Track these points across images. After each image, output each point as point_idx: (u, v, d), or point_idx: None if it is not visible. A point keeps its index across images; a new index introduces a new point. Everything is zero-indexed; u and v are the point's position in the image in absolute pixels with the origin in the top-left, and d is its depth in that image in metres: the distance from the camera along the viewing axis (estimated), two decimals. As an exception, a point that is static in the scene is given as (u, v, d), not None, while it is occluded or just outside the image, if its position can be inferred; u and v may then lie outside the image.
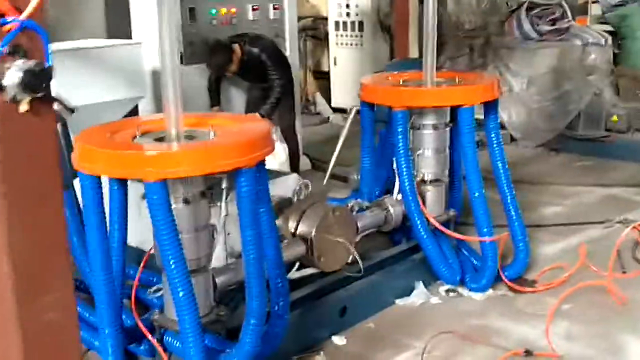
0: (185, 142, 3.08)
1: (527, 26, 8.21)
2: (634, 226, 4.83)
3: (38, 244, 1.71)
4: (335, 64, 9.50)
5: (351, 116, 5.00)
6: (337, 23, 9.43)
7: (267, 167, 3.34)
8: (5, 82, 1.58)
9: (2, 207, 1.61)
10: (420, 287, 4.55)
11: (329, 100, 9.45)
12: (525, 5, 8.32)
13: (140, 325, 3.40)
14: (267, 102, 6.00)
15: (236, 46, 6.06)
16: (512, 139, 8.14)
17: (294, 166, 6.35)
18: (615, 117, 7.60)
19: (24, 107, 1.58)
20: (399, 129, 4.38)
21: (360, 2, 9.16)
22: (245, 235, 3.18)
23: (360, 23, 9.20)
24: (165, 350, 3.45)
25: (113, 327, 3.31)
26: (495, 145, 4.61)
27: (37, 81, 1.66)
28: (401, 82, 4.71)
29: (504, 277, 4.53)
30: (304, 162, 7.32)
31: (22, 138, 1.62)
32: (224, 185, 3.30)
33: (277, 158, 5.92)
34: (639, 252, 4.97)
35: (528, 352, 3.71)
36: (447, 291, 4.59)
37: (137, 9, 6.18)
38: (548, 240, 5.35)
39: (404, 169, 4.40)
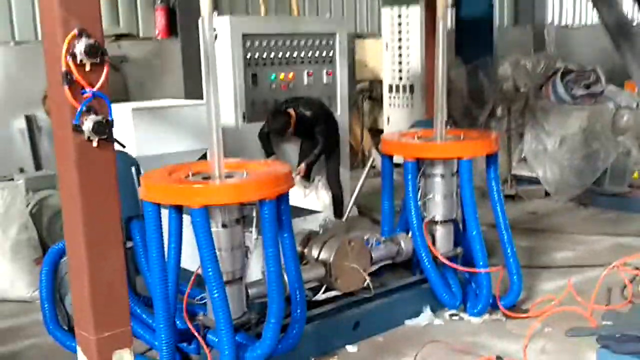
0: (224, 180, 4.08)
1: (560, 90, 8.98)
2: (614, 265, 5.52)
3: (101, 225, 2.69)
4: (388, 123, 10.46)
5: (369, 164, 5.92)
6: (390, 86, 10.42)
7: (310, 207, 4.26)
8: (84, 128, 2.58)
9: (80, 204, 2.60)
10: (427, 311, 5.37)
11: (384, 156, 10.35)
12: (560, 71, 9.11)
13: (190, 325, 4.31)
14: (311, 154, 6.98)
15: (291, 111, 7.08)
16: (547, 194, 8.89)
17: (338, 211, 7.28)
18: (636, 174, 8.27)
19: (94, 144, 2.57)
20: (409, 177, 5.27)
21: (412, 67, 10.12)
22: (267, 253, 4.13)
23: (411, 86, 10.16)
24: (207, 346, 4.38)
25: (168, 329, 4.10)
26: (495, 193, 5.42)
27: (103, 128, 2.65)
28: (416, 138, 5.61)
29: (500, 305, 5.31)
30: (353, 209, 8.23)
31: (92, 164, 2.61)
32: (254, 214, 4.29)
33: (321, 201, 6.90)
34: (626, 291, 5.65)
35: (499, 358, 4.51)
36: (451, 315, 5.40)
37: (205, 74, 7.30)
38: (550, 279, 6.09)
39: (412, 210, 5.28)
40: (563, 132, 8.81)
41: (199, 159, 6.55)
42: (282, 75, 7.63)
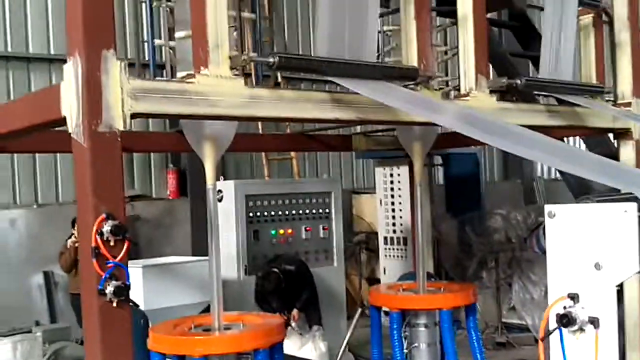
0: (222, 332, 4.60)
1: (543, 242, 9.56)
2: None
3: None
4: (385, 273, 10.97)
5: (357, 316, 6.43)
6: (385, 238, 11.01)
7: (307, 356, 4.68)
8: (106, 292, 3.16)
9: (100, 354, 3.16)
10: None
11: (381, 305, 10.81)
12: (543, 224, 9.71)
13: None
14: (300, 300, 7.46)
15: (278, 272, 7.59)
16: (536, 340, 9.26)
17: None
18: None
19: (114, 304, 3.16)
20: (395, 326, 5.76)
21: (404, 221, 10.75)
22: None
23: (404, 239, 10.75)
24: None
25: None
26: (474, 340, 5.88)
27: (121, 291, 3.23)
28: (401, 290, 6.14)
29: None
30: (349, 358, 8.63)
31: (112, 321, 3.19)
32: (250, 361, 4.77)
33: (318, 351, 7.34)
34: None
35: None
36: None
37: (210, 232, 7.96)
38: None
39: (398, 359, 5.74)
40: (547, 282, 9.29)
41: (203, 310, 7.06)
42: (281, 231, 8.26)
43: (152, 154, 10.62)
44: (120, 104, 3.27)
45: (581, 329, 2.66)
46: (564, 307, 2.70)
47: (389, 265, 10.90)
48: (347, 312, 8.99)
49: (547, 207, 2.89)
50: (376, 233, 11.22)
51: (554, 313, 2.70)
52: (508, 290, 9.79)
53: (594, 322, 2.67)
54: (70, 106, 3.27)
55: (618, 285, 5.70)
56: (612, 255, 2.67)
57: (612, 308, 2.66)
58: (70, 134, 3.28)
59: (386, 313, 6.08)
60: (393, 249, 10.88)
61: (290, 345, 7.08)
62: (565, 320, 2.72)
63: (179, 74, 3.85)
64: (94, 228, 3.12)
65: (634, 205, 2.65)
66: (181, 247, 9.61)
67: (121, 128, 3.23)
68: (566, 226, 2.75)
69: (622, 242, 2.68)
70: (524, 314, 9.40)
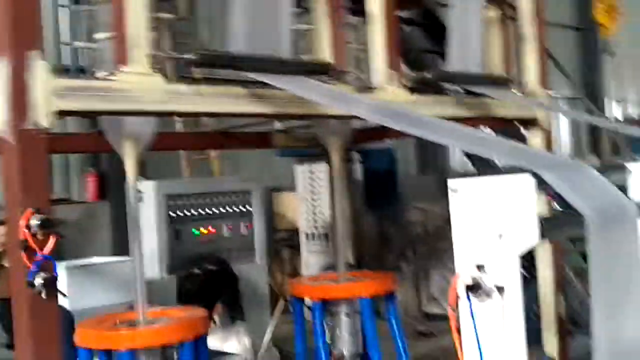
0: (148, 326, 4.68)
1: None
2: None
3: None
4: (307, 268, 11.18)
5: (279, 307, 6.59)
6: (307, 234, 11.23)
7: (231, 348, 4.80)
8: (35, 283, 3.25)
9: (31, 344, 3.23)
10: None
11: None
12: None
13: None
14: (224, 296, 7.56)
15: (200, 272, 7.68)
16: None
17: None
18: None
19: (44, 295, 3.21)
20: (317, 316, 5.94)
21: (325, 218, 10.99)
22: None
23: (326, 234, 10.98)
24: None
25: None
26: (395, 328, 6.09)
27: (50, 283, 3.32)
28: (321, 281, 6.32)
29: None
30: (274, 354, 8.77)
31: (42, 312, 3.28)
32: (175, 357, 4.87)
33: (242, 345, 7.46)
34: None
35: None
36: None
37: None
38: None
39: (321, 347, 5.90)
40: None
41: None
42: (203, 230, 8.35)
43: (70, 158, 10.54)
44: (45, 103, 3.41)
45: (488, 296, 2.87)
46: (472, 277, 2.91)
47: (311, 261, 11.12)
48: (271, 309, 9.13)
49: (450, 183, 3.09)
50: (298, 230, 11.45)
51: (462, 283, 2.91)
52: (427, 280, 10.11)
53: (500, 289, 2.89)
54: (-2, 106, 3.40)
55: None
56: (513, 226, 2.89)
57: (516, 276, 2.89)
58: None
59: (309, 308, 6.26)
60: (315, 244, 11.11)
61: (214, 342, 7.18)
62: (473, 289, 2.93)
63: (101, 74, 3.95)
64: (22, 222, 3.23)
65: (530, 177, 2.88)
66: (103, 250, 9.58)
67: (47, 126, 3.36)
68: (469, 200, 2.94)
69: (522, 212, 2.91)
70: (443, 302, 9.71)
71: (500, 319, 2.93)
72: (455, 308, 3.04)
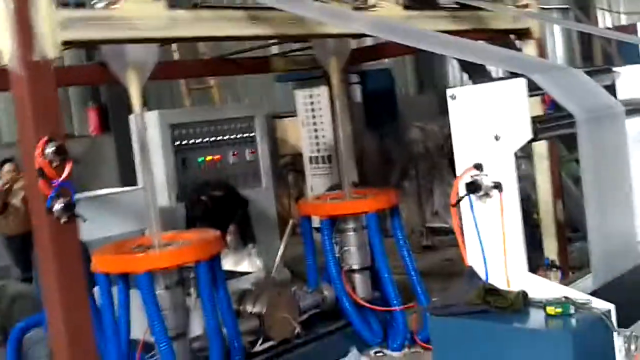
0: (161, 248, 4.83)
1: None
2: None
3: (71, 281, 3.45)
4: (312, 191, 11.33)
5: (289, 228, 6.76)
6: (310, 158, 11.34)
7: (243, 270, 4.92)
8: (54, 209, 3.38)
9: (55, 264, 3.38)
10: (354, 350, 6.11)
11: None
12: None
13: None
14: (235, 216, 7.71)
15: (206, 198, 7.80)
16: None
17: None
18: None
19: (63, 220, 3.35)
20: (325, 232, 6.11)
21: (327, 140, 11.08)
22: (205, 309, 4.88)
23: (329, 157, 11.08)
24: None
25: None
26: (400, 240, 6.27)
27: (68, 207, 3.45)
28: (328, 200, 6.48)
29: (417, 339, 6.11)
30: (285, 274, 8.97)
31: (63, 237, 3.42)
32: (192, 275, 5.04)
33: (254, 266, 7.66)
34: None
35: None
36: (375, 352, 6.16)
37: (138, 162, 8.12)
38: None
39: (331, 261, 6.09)
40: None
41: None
42: (209, 157, 8.46)
43: (70, 93, 10.58)
44: (51, 34, 3.50)
45: (487, 194, 3.01)
46: (471, 177, 3.04)
47: (316, 183, 11.26)
48: (280, 232, 9.29)
49: (449, 91, 3.21)
50: (301, 154, 11.55)
51: (463, 183, 3.04)
52: (430, 196, 10.25)
53: (498, 186, 3.04)
54: (4, 40, 3.47)
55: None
56: (508, 127, 3.01)
57: (512, 173, 3.03)
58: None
59: (317, 230, 6.39)
60: (318, 167, 11.23)
61: (227, 265, 7.37)
62: (473, 187, 3.07)
63: (101, 3, 4.00)
64: (37, 150, 3.34)
65: (523, 80, 2.99)
66: (109, 182, 9.70)
67: (54, 56, 3.45)
68: (467, 105, 3.06)
69: (516, 114, 3.03)
70: (446, 217, 9.89)
71: (499, 214, 3.08)
72: (457, 205, 3.17)
